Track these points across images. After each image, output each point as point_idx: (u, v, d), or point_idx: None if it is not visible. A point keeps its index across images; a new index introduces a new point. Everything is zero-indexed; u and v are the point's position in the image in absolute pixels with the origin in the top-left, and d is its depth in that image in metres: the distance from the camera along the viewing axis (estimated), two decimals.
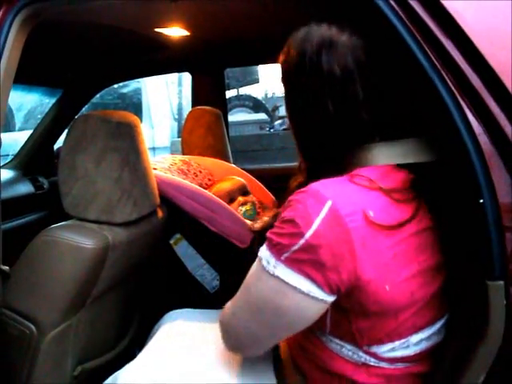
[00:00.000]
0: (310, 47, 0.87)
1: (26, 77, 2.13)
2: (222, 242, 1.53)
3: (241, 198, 1.92)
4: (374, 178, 0.82)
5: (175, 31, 1.86)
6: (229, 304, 0.92)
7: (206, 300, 1.60)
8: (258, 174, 2.25)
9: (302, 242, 0.76)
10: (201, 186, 1.85)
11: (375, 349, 0.86)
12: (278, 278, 0.79)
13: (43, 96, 3.19)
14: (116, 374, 1.08)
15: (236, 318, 0.90)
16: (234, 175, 2.08)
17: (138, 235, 1.29)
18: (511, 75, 0.78)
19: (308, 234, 0.76)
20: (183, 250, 1.62)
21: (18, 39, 1.08)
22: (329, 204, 0.76)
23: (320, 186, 0.80)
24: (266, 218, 1.09)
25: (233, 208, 1.74)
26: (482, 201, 0.77)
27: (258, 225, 1.08)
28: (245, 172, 2.19)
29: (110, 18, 1.54)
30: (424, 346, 0.88)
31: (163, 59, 2.43)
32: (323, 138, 0.88)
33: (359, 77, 0.85)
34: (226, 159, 2.37)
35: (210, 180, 2.07)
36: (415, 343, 0.87)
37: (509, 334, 0.76)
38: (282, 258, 0.78)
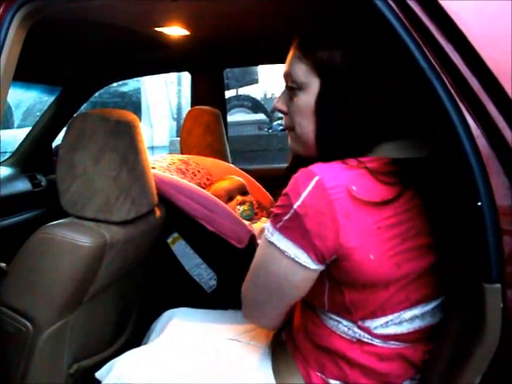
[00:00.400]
0: None
1: (25, 74, 2.13)
2: (220, 242, 1.53)
3: (239, 198, 1.92)
4: (363, 161, 0.89)
5: (175, 30, 1.86)
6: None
7: (203, 300, 1.60)
8: (257, 175, 2.25)
9: (291, 211, 0.85)
10: (199, 185, 1.85)
11: (369, 323, 0.90)
12: (272, 243, 0.89)
13: (42, 94, 3.19)
14: (112, 362, 1.09)
15: (245, 283, 1.00)
16: (232, 175, 2.08)
17: (135, 234, 1.29)
18: (510, 78, 0.78)
19: (296, 205, 0.85)
20: (180, 249, 1.61)
21: (17, 36, 1.08)
22: (316, 178, 0.85)
23: (313, 166, 0.88)
24: None
25: (231, 207, 1.74)
26: (479, 203, 0.77)
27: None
28: (243, 172, 2.19)
29: (110, 16, 1.54)
30: (417, 324, 0.91)
31: (163, 58, 2.43)
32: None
33: (353, 78, 0.90)
34: (225, 159, 2.37)
35: (208, 180, 2.07)
36: (408, 319, 0.91)
37: (505, 336, 0.76)
38: (277, 226, 0.88)
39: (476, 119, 0.79)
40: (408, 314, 0.90)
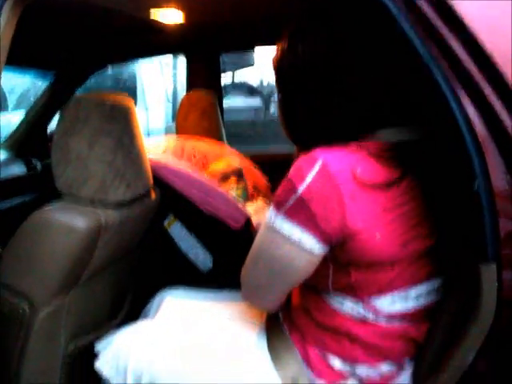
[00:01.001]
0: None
1: (18, 58, 2.11)
2: (216, 224, 1.53)
3: (233, 180, 1.92)
4: (363, 144, 0.89)
5: (171, 13, 1.84)
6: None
7: (199, 280, 1.61)
8: (253, 159, 2.25)
9: (295, 196, 0.85)
10: (195, 169, 1.84)
11: (375, 301, 0.91)
12: (275, 229, 0.88)
13: (36, 78, 3.16)
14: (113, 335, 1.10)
15: (244, 268, 1.00)
16: (227, 158, 2.07)
17: (131, 216, 1.29)
18: (508, 61, 0.78)
19: (300, 190, 0.85)
20: (177, 231, 1.62)
21: (10, 20, 1.07)
22: (319, 162, 0.84)
23: (315, 151, 0.88)
24: None
25: (224, 188, 1.74)
26: (476, 185, 0.77)
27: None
28: (240, 154, 2.18)
29: None
30: (422, 302, 0.93)
31: (158, 41, 2.41)
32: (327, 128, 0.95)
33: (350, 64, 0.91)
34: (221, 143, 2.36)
35: (204, 163, 2.06)
36: (414, 297, 0.92)
37: (499, 315, 0.77)
38: (281, 211, 0.88)
39: (473, 103, 0.79)
40: (414, 291, 0.92)
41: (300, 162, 0.87)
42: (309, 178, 0.84)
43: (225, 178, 1.91)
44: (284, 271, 0.92)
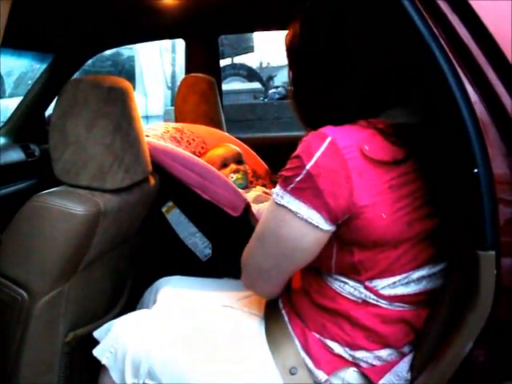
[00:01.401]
0: None
1: (15, 41, 2.09)
2: (215, 210, 1.52)
3: (233, 166, 1.91)
4: (371, 121, 0.90)
5: None
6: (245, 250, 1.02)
7: (198, 268, 1.61)
8: (252, 143, 2.24)
9: (303, 172, 0.85)
10: (194, 153, 1.83)
11: (376, 282, 0.91)
12: (282, 206, 0.88)
13: (34, 61, 3.13)
14: (111, 323, 1.10)
15: (247, 251, 0.99)
16: (227, 143, 2.06)
17: (129, 202, 1.28)
18: (510, 42, 0.77)
19: (309, 166, 0.85)
20: (175, 217, 1.61)
21: (4, 2, 1.05)
22: (328, 139, 0.85)
23: (324, 128, 0.89)
24: None
25: (224, 174, 1.73)
26: (476, 170, 0.77)
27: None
28: (238, 141, 2.18)
29: None
30: (423, 286, 0.93)
31: (156, 24, 2.39)
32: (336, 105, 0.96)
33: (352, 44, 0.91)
34: (220, 127, 2.35)
35: (203, 148, 2.06)
36: (416, 280, 0.92)
37: (498, 302, 0.77)
38: (288, 188, 0.88)
39: (474, 85, 0.78)
40: (416, 274, 0.92)
41: (309, 138, 0.88)
42: (317, 154, 0.85)
43: (224, 163, 1.90)
44: (292, 250, 0.91)
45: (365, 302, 0.92)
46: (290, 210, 0.87)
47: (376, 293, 0.91)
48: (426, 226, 0.90)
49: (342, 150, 0.84)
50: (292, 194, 0.87)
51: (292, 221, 0.88)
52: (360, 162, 0.84)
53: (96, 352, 1.06)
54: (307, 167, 0.85)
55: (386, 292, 0.91)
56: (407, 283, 0.92)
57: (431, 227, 0.90)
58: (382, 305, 0.92)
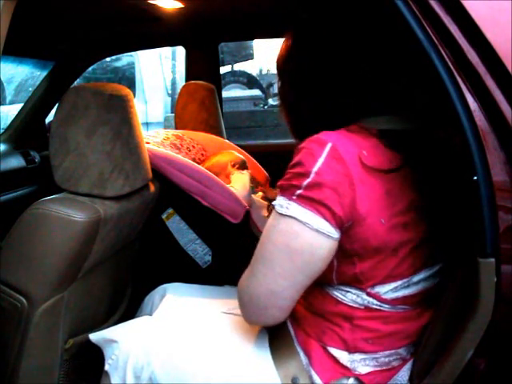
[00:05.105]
0: None
1: (16, 48, 2.10)
2: (215, 218, 1.52)
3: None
4: (364, 126, 0.91)
5: (169, 3, 1.83)
6: (246, 271, 0.94)
7: (199, 275, 1.61)
8: (252, 151, 2.24)
9: (308, 180, 0.83)
10: (194, 160, 1.84)
11: (378, 288, 0.91)
12: (290, 217, 0.84)
13: (34, 68, 3.15)
14: (109, 329, 1.11)
15: (250, 281, 0.91)
16: (227, 150, 2.07)
17: (129, 209, 1.29)
18: (509, 51, 0.77)
19: (313, 173, 0.83)
20: (175, 224, 1.61)
21: (6, 8, 1.06)
22: (329, 145, 0.84)
23: (320, 134, 0.88)
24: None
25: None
26: (475, 178, 0.77)
27: (274, 193, 1.09)
28: (238, 148, 2.18)
29: None
30: (422, 287, 0.94)
31: (157, 32, 2.40)
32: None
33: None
34: (220, 134, 2.35)
35: (203, 155, 2.06)
36: (415, 282, 0.93)
37: (498, 310, 0.77)
38: (294, 197, 0.85)
39: (473, 93, 0.78)
40: (416, 277, 0.92)
41: (309, 144, 0.86)
42: (320, 160, 0.83)
43: (239, 167, 1.90)
44: (307, 264, 0.86)
45: (367, 308, 0.92)
46: (299, 220, 0.83)
47: (379, 298, 0.91)
48: (423, 228, 0.90)
49: (344, 157, 0.83)
50: (299, 203, 0.84)
51: (303, 232, 0.84)
52: (360, 168, 0.84)
53: (97, 360, 1.06)
54: (312, 174, 0.83)
55: (389, 296, 0.91)
56: (408, 286, 0.92)
57: (429, 232, 0.91)
58: (385, 309, 0.92)
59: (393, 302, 0.92)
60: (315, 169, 0.83)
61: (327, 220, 0.83)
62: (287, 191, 0.86)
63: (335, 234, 0.85)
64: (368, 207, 0.84)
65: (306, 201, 0.83)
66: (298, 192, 0.84)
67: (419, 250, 0.91)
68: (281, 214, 0.86)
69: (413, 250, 0.90)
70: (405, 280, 0.91)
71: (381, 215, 0.85)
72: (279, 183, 0.89)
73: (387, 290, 0.91)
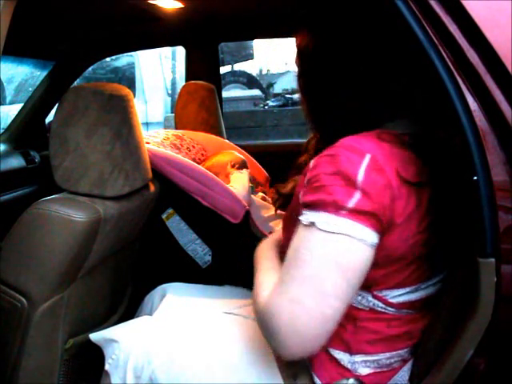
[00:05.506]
0: None
1: (16, 48, 2.10)
2: (215, 217, 1.53)
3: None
4: (391, 132, 0.86)
5: (169, 3, 1.83)
6: (275, 299, 0.81)
7: (199, 275, 1.61)
8: (252, 151, 2.25)
9: (356, 192, 0.77)
10: (194, 160, 1.84)
11: (386, 292, 0.89)
12: (342, 234, 0.77)
13: (34, 68, 3.15)
14: (110, 329, 1.10)
15: (296, 303, 0.78)
16: (227, 150, 2.07)
17: (129, 209, 1.29)
18: (509, 51, 0.77)
19: (359, 184, 0.77)
20: (175, 224, 1.61)
21: (6, 9, 1.06)
22: (368, 156, 0.79)
23: (351, 141, 0.83)
24: (290, 184, 1.06)
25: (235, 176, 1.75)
26: (475, 178, 0.77)
27: (287, 188, 1.05)
28: (238, 148, 2.18)
29: None
30: (429, 291, 0.93)
31: (157, 32, 2.40)
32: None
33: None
34: (220, 134, 2.35)
35: (203, 155, 2.06)
36: (423, 288, 0.92)
37: (498, 310, 0.77)
38: (343, 212, 0.77)
39: (473, 93, 0.78)
40: (425, 284, 0.92)
41: (343, 153, 0.80)
42: (362, 172, 0.78)
43: (238, 167, 1.90)
44: (359, 279, 0.80)
45: (372, 310, 0.91)
46: (353, 236, 0.77)
47: (385, 301, 0.90)
48: (435, 242, 0.88)
49: (385, 168, 0.80)
50: (349, 218, 0.77)
51: (357, 248, 0.78)
52: (398, 180, 0.81)
53: (98, 360, 1.06)
54: (358, 186, 0.77)
55: (395, 300, 0.91)
56: (416, 291, 0.91)
57: (438, 241, 0.89)
58: (390, 312, 0.91)
59: (399, 305, 0.91)
60: (360, 180, 0.77)
61: (377, 232, 0.79)
62: (332, 206, 0.78)
63: (377, 242, 0.81)
64: (402, 218, 0.81)
65: (358, 215, 0.77)
66: (348, 206, 0.77)
67: (430, 260, 0.90)
68: (326, 232, 0.78)
69: (426, 260, 0.89)
70: (413, 287, 0.91)
71: (409, 228, 0.83)
72: (314, 197, 0.81)
73: (395, 295, 0.90)
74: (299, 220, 0.82)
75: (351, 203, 0.77)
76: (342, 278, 0.78)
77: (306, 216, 0.81)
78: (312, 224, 0.79)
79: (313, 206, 0.80)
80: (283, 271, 0.82)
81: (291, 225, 0.90)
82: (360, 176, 0.78)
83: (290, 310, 0.78)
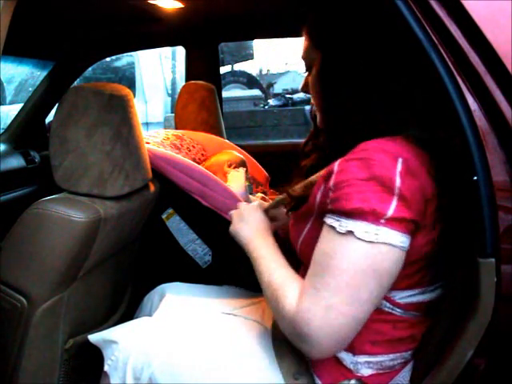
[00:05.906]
0: None
1: (16, 48, 2.10)
2: (215, 217, 1.52)
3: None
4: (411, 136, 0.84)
5: (169, 3, 1.83)
6: (306, 304, 0.81)
7: (199, 275, 1.61)
8: (251, 151, 2.25)
9: (394, 199, 0.77)
10: (194, 160, 1.84)
11: (394, 293, 0.89)
12: (381, 243, 0.77)
13: (34, 68, 3.15)
14: (110, 330, 1.10)
15: (331, 309, 0.79)
16: (226, 150, 2.07)
17: (129, 209, 1.29)
18: (510, 52, 0.77)
19: (397, 190, 0.77)
20: (175, 224, 1.61)
21: (6, 9, 1.06)
22: (400, 160, 0.78)
23: (379, 143, 0.82)
24: (299, 186, 1.05)
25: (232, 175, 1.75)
26: (475, 178, 0.77)
27: (297, 191, 1.03)
28: (238, 148, 2.18)
29: None
30: (437, 294, 0.93)
31: (156, 32, 2.40)
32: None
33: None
34: (220, 134, 2.35)
35: (203, 155, 2.06)
36: (432, 290, 0.92)
37: (498, 310, 0.77)
38: (382, 221, 0.77)
39: (474, 93, 0.78)
40: (433, 286, 0.92)
41: (374, 156, 0.79)
42: (397, 176, 0.77)
43: (236, 166, 1.90)
44: (391, 281, 0.81)
45: (379, 310, 0.89)
46: (393, 245, 0.77)
47: (392, 302, 0.90)
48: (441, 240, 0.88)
49: (418, 171, 0.80)
50: (390, 227, 0.77)
51: (394, 253, 0.78)
52: (429, 181, 0.81)
53: (97, 360, 1.06)
54: (396, 192, 0.77)
55: (403, 301, 0.90)
56: (424, 293, 0.91)
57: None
58: (397, 313, 0.91)
59: (406, 306, 0.90)
60: (397, 186, 0.77)
61: (411, 235, 0.80)
62: (370, 215, 0.77)
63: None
64: (429, 222, 0.82)
65: (397, 223, 0.77)
66: (387, 215, 0.76)
67: (436, 262, 0.90)
68: (366, 241, 0.77)
69: (436, 264, 0.89)
70: (421, 289, 0.91)
71: (426, 231, 0.83)
72: (351, 205, 0.78)
73: (402, 296, 0.90)
74: (327, 224, 0.82)
75: (390, 211, 0.76)
76: (378, 284, 0.79)
77: (340, 223, 0.79)
78: (350, 233, 0.78)
79: (350, 215, 0.78)
80: (314, 278, 0.82)
81: (303, 223, 0.92)
82: (397, 182, 0.77)
83: (324, 315, 0.79)
